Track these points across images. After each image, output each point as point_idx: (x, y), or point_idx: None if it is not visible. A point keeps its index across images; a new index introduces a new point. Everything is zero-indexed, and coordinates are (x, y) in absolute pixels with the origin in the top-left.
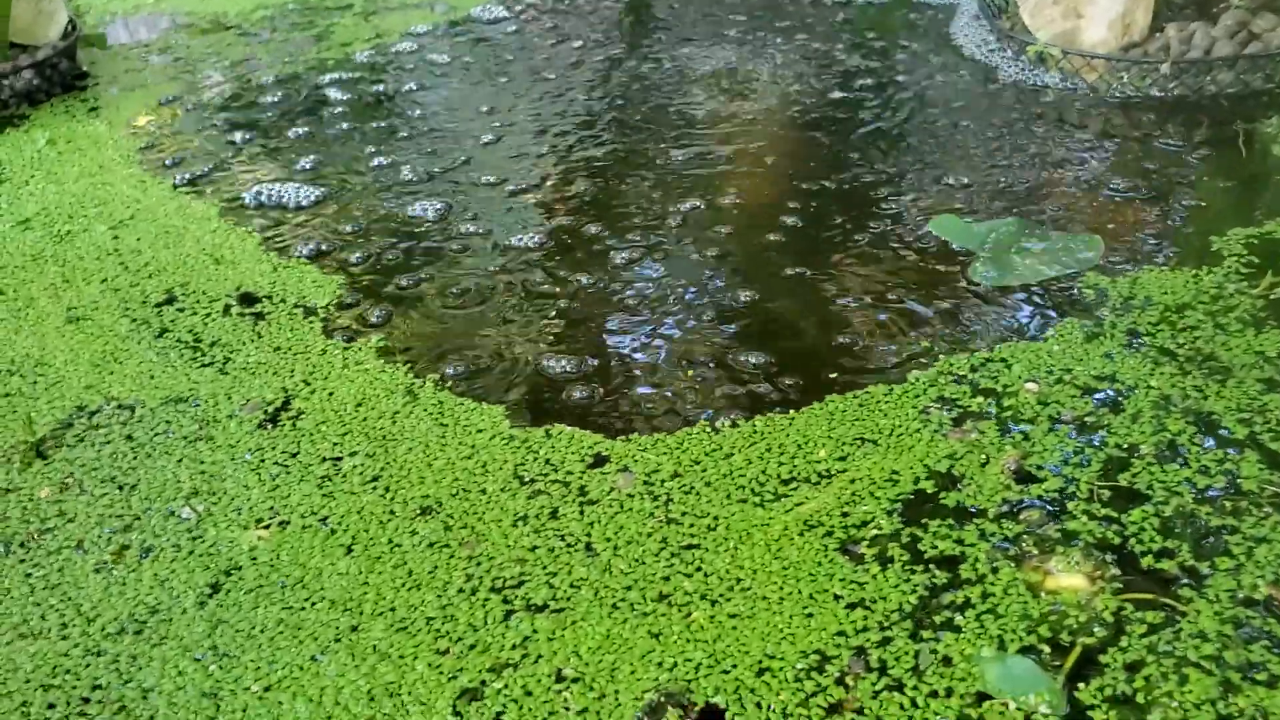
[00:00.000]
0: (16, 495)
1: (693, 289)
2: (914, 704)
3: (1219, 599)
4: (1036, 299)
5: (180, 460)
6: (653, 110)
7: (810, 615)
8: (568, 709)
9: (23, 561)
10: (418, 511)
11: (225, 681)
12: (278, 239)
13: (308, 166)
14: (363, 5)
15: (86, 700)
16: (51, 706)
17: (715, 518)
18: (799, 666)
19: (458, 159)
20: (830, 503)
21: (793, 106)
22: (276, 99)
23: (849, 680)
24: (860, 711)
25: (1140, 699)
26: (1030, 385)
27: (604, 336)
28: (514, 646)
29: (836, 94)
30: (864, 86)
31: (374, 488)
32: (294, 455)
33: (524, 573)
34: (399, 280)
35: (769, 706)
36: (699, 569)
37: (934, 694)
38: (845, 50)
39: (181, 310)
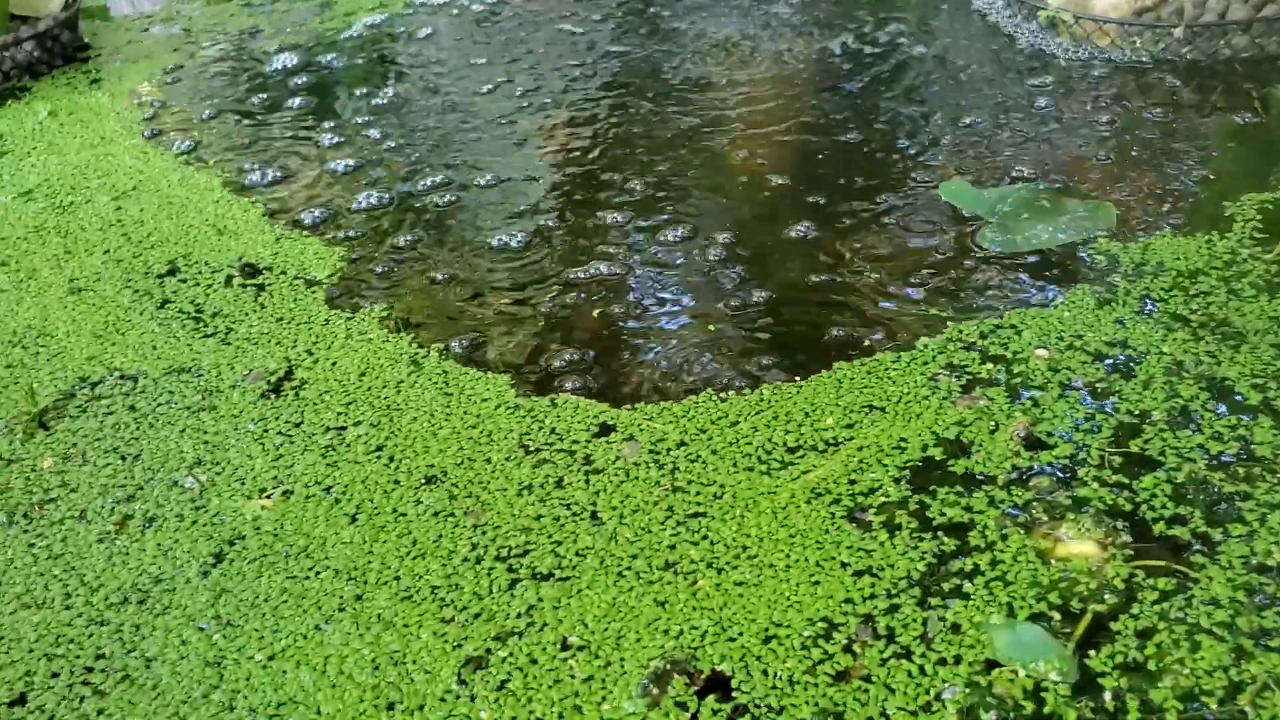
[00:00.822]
0: (19, 466)
1: (697, 254)
2: (922, 671)
3: (1232, 565)
4: (1047, 265)
5: (183, 430)
6: (660, 75)
7: (817, 583)
8: (573, 677)
9: (26, 532)
10: (422, 481)
11: (229, 650)
12: (280, 210)
13: (312, 137)
14: None
15: (90, 670)
16: (55, 676)
17: (722, 486)
18: (806, 634)
19: (462, 128)
20: (837, 470)
21: (801, 71)
22: (280, 69)
23: (856, 648)
24: (867, 679)
25: (1151, 666)
26: (1040, 351)
27: (609, 304)
28: (519, 615)
29: (845, 58)
30: (874, 50)
31: (378, 457)
32: (297, 425)
33: (529, 541)
34: (403, 250)
35: (775, 674)
36: (705, 537)
37: (942, 661)
38: (855, 14)
39: (184, 281)
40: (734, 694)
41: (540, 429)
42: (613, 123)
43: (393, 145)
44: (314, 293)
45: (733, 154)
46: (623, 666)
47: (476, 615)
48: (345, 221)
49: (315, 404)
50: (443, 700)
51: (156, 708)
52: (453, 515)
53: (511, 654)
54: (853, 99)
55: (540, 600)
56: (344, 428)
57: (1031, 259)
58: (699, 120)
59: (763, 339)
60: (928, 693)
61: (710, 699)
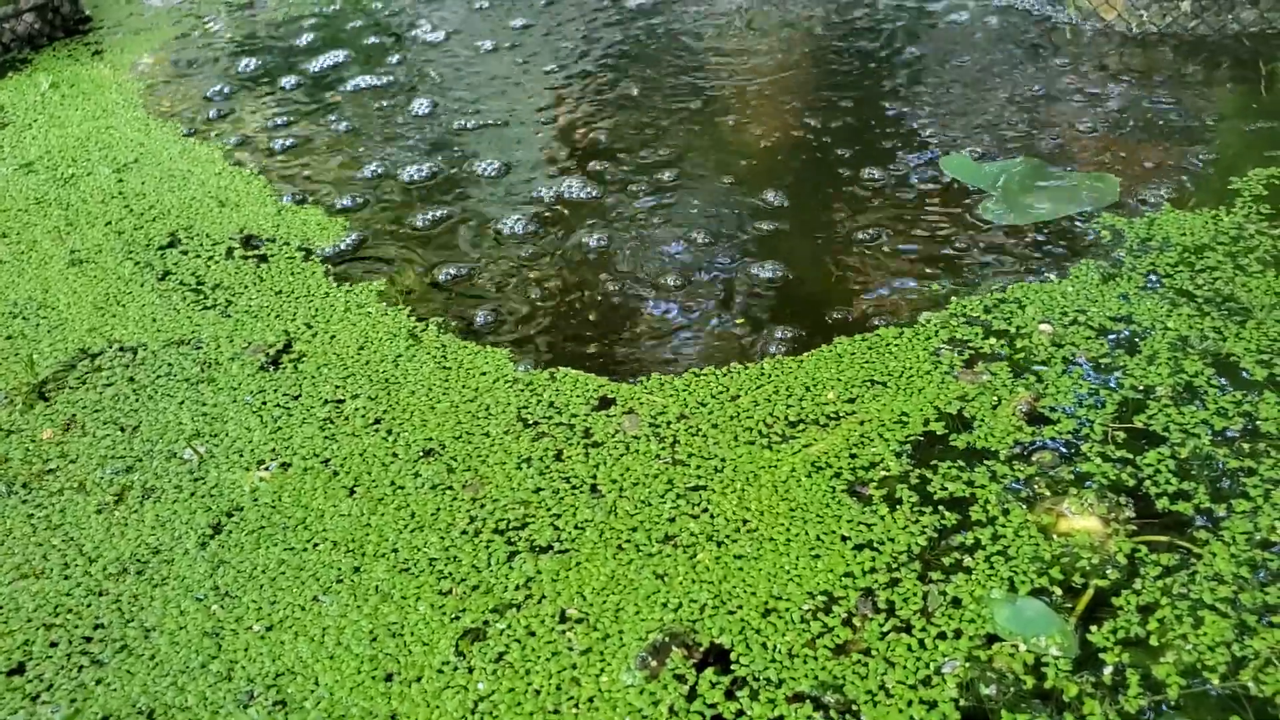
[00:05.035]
0: (18, 437)
1: (699, 231)
2: (922, 645)
3: (1235, 541)
4: (1051, 239)
5: (182, 402)
6: (666, 47)
7: (817, 556)
8: (571, 649)
9: (25, 502)
10: (420, 454)
11: (227, 621)
12: (282, 182)
13: (315, 109)
14: None
15: (88, 639)
16: (54, 645)
17: (722, 459)
18: (805, 607)
19: (467, 99)
20: (838, 444)
21: (805, 43)
22: (283, 40)
23: (856, 621)
24: (867, 653)
25: (1154, 641)
26: (1044, 326)
27: (611, 279)
28: (517, 587)
29: (849, 30)
30: (876, 22)
31: (376, 430)
32: (296, 398)
33: (528, 514)
34: (404, 223)
35: (775, 647)
36: (705, 510)
37: (942, 635)
38: None
39: (185, 253)
40: (733, 667)
41: (539, 402)
42: (615, 97)
43: (398, 117)
44: (314, 265)
45: (732, 128)
46: (621, 639)
47: (474, 588)
48: (348, 193)
49: (314, 377)
50: (440, 672)
51: (155, 677)
52: (451, 488)
53: (509, 626)
54: (853, 72)
55: (539, 573)
56: (342, 401)
57: (1034, 233)
58: (698, 93)
59: (764, 313)
60: (927, 666)
61: (709, 671)
